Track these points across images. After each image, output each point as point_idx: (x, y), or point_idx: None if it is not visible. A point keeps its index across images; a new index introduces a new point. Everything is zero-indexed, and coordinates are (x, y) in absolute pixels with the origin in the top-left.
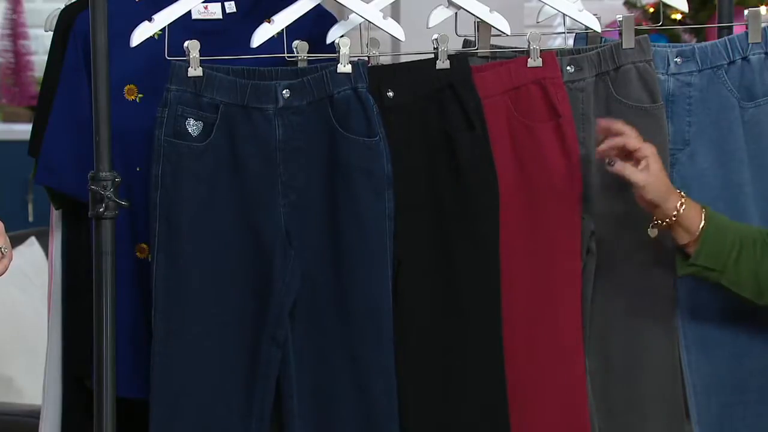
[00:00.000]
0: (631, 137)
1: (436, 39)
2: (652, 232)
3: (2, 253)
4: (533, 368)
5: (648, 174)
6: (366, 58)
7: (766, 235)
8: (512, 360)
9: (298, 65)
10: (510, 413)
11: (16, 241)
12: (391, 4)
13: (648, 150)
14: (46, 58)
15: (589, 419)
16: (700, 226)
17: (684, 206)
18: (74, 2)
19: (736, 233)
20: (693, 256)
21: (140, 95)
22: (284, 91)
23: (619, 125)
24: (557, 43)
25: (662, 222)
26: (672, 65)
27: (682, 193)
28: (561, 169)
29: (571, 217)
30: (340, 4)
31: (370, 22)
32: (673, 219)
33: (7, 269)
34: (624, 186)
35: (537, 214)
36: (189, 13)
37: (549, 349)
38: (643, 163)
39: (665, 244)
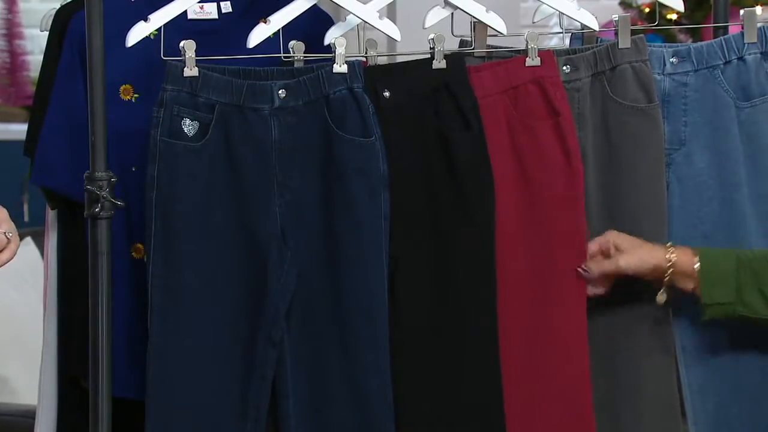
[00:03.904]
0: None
1: (433, 39)
2: (661, 298)
3: (8, 239)
4: (536, 368)
5: (625, 255)
6: (362, 58)
7: (757, 254)
8: (514, 360)
9: (295, 65)
10: (512, 413)
11: None
12: (388, 4)
13: (609, 235)
14: (41, 58)
15: (594, 419)
16: (696, 267)
17: (674, 255)
18: (70, 2)
19: (731, 260)
20: (703, 298)
21: (136, 95)
22: (280, 91)
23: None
24: (553, 43)
25: (663, 281)
26: (668, 65)
27: (668, 244)
28: (561, 167)
29: (572, 215)
30: (337, 4)
31: (366, 22)
32: (670, 272)
33: (14, 255)
34: (618, 186)
35: (538, 213)
36: (185, 13)
37: (552, 349)
38: (612, 249)
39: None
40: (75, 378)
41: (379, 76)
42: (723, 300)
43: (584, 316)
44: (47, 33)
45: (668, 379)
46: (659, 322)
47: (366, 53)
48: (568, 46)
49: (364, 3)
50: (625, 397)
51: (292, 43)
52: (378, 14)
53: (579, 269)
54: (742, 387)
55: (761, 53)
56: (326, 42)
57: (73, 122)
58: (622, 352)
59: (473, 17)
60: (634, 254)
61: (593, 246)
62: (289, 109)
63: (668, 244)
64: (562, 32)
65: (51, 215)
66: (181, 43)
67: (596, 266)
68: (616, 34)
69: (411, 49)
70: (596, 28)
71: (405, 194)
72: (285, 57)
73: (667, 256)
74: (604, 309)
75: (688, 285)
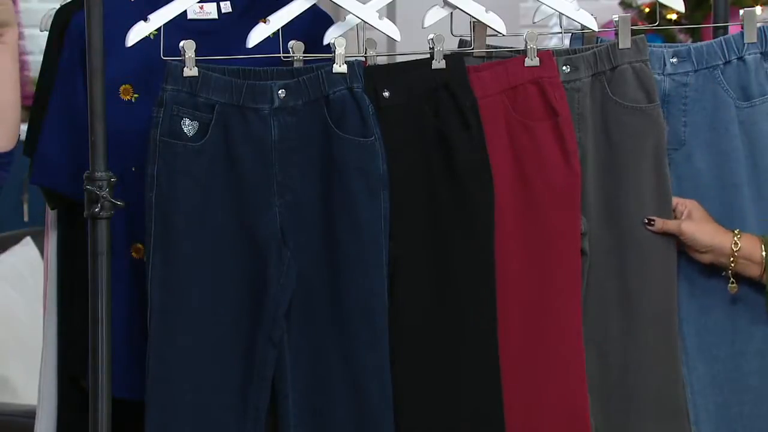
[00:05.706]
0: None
1: (432, 39)
2: (732, 288)
3: None
4: (533, 368)
5: (690, 222)
6: (362, 58)
7: None
8: (512, 360)
9: (294, 65)
10: (509, 414)
11: (11, 241)
12: (388, 4)
13: (688, 202)
14: (41, 58)
15: (590, 420)
16: (763, 255)
17: (740, 240)
18: (70, 2)
19: None
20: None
21: (136, 95)
22: (280, 91)
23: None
24: (553, 43)
25: (728, 267)
26: (668, 65)
27: (736, 231)
28: (560, 167)
29: (570, 215)
30: (336, 4)
31: (365, 22)
32: (735, 256)
33: None
34: (618, 187)
35: (536, 213)
36: (185, 13)
37: (549, 349)
38: (685, 213)
39: (661, 245)
40: (75, 378)
41: (378, 76)
42: None
43: (579, 315)
44: (47, 33)
45: (670, 379)
46: (662, 322)
47: (365, 53)
48: (567, 47)
49: (364, 3)
50: (627, 398)
51: (291, 43)
52: (377, 14)
53: (644, 220)
54: (744, 388)
55: (761, 53)
56: (326, 42)
57: (73, 122)
58: (624, 353)
59: (472, 17)
60: (700, 226)
61: (672, 202)
62: (288, 109)
63: (735, 231)
64: (561, 32)
65: (51, 215)
66: (181, 43)
67: (661, 221)
68: (616, 34)
69: (410, 49)
70: (595, 28)
71: (405, 194)
72: (284, 57)
73: (734, 240)
74: (604, 311)
75: (754, 272)
